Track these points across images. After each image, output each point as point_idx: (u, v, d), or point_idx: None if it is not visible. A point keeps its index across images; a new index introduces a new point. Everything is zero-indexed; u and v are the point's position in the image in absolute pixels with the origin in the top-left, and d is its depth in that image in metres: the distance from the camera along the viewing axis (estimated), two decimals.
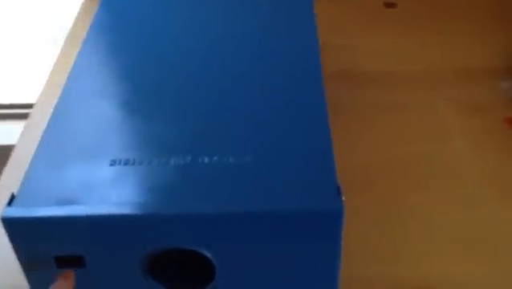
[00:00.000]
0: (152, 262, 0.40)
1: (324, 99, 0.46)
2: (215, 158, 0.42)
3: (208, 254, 0.40)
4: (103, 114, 0.47)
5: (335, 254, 0.40)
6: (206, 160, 0.42)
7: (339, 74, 0.60)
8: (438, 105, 0.58)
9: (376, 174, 0.52)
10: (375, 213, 0.48)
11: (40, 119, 0.57)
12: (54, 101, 0.47)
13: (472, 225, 0.47)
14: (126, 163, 0.42)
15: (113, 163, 0.42)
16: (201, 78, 0.49)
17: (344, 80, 0.60)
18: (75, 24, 0.71)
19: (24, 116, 0.61)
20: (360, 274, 0.44)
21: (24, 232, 0.39)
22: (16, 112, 0.91)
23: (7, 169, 0.54)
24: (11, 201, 0.39)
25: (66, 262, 0.40)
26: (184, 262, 0.41)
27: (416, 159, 0.53)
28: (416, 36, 0.67)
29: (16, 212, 0.38)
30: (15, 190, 0.39)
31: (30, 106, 0.63)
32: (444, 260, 0.45)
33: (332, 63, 0.54)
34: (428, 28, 0.68)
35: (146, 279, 0.41)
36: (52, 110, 0.46)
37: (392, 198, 0.49)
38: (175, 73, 0.50)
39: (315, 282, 0.42)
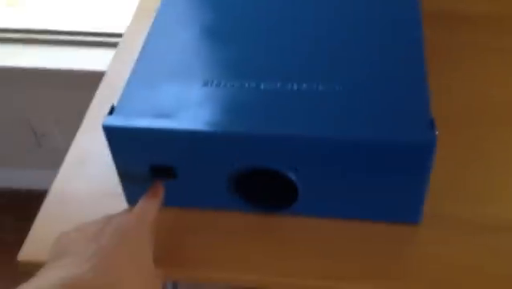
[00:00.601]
0: (239, 179, 0.42)
1: (421, 37, 0.45)
2: (305, 85, 0.42)
3: (292, 177, 0.40)
4: (196, 39, 0.48)
5: (422, 186, 0.40)
6: (296, 86, 0.42)
7: (438, 15, 0.58)
8: None
9: (467, 117, 0.51)
10: (465, 154, 0.48)
11: (130, 46, 0.59)
12: (144, 29, 0.49)
13: None
14: (218, 84, 0.43)
15: (205, 84, 0.43)
16: (298, 12, 0.49)
17: (442, 22, 0.59)
18: None
19: (113, 45, 0.63)
20: (446, 210, 0.44)
21: (122, 140, 0.41)
22: (106, 40, 0.95)
23: (100, 91, 0.56)
24: (111, 111, 0.41)
25: (159, 172, 0.42)
26: (269, 183, 0.42)
27: (506, 103, 0.52)
28: None
29: (116, 121, 0.40)
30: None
31: (119, 35, 0.65)
32: None
33: (431, 4, 0.53)
34: None
35: (232, 195, 0.43)
36: (144, 36, 0.48)
37: (482, 141, 0.49)
38: (272, 7, 0.50)
39: (399, 213, 0.42)
